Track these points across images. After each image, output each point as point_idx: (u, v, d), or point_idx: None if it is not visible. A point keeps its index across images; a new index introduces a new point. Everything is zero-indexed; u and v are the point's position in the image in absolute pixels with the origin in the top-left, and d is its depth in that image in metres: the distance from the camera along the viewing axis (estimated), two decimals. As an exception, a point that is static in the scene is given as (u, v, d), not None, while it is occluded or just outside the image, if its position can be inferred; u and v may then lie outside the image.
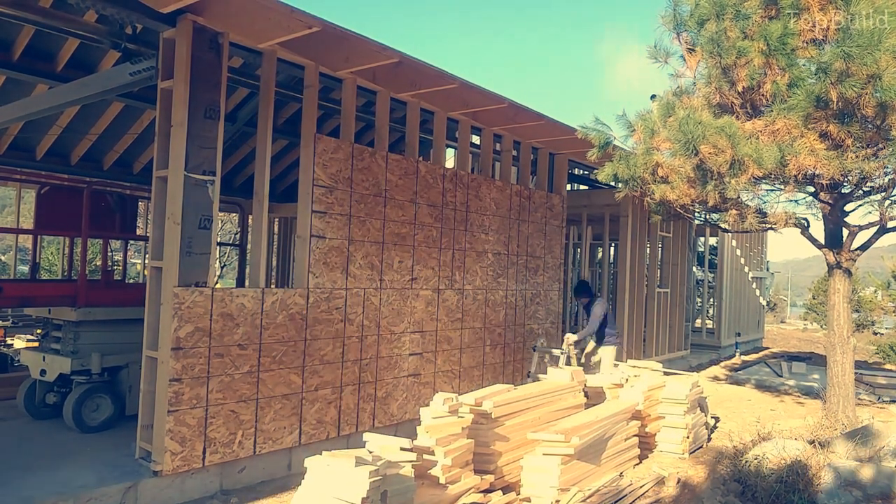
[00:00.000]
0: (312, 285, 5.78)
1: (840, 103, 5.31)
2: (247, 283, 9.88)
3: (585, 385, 6.62)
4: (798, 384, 11.08)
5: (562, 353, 7.63)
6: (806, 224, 7.15)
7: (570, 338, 7.85)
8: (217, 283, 16.57)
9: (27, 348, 7.14)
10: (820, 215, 7.34)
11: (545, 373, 6.63)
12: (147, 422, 4.95)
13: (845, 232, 7.14)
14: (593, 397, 6.69)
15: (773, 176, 6.12)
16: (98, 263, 13.41)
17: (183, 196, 4.83)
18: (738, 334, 16.56)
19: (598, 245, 17.31)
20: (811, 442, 5.94)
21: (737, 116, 6.23)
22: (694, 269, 14.13)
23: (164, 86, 5.07)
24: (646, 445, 6.60)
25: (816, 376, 11.52)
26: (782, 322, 35.46)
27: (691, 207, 7.48)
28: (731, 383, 11.54)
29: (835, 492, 4.88)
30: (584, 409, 6.13)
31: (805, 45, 5.68)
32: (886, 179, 6.43)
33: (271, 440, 5.43)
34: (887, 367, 15.11)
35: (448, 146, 8.40)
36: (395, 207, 6.63)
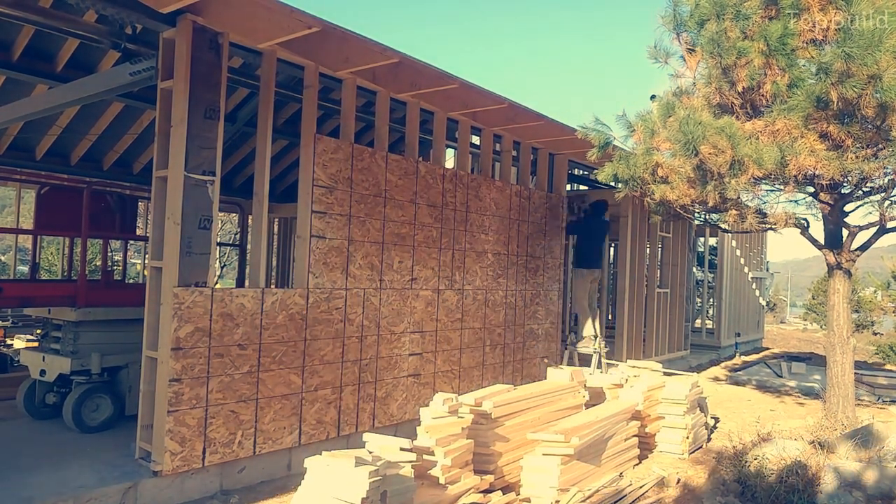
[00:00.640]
0: (312, 285, 5.78)
1: (840, 104, 5.31)
2: (247, 283, 9.88)
3: (585, 385, 6.62)
4: (798, 384, 11.07)
5: (594, 352, 7.79)
6: (806, 224, 7.15)
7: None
8: (217, 283, 16.55)
9: (27, 348, 7.13)
10: (820, 215, 7.34)
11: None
12: (147, 422, 4.94)
13: (845, 232, 7.14)
14: (593, 397, 6.69)
15: (773, 176, 6.12)
16: (98, 263, 13.42)
17: (183, 196, 4.83)
18: (738, 334, 16.55)
19: (597, 245, 17.26)
20: (811, 442, 5.94)
21: (737, 117, 6.23)
22: (694, 269, 14.12)
23: (164, 86, 5.07)
24: (646, 446, 6.60)
25: (818, 377, 11.51)
26: (782, 322, 35.47)
27: (691, 208, 7.48)
28: (731, 383, 11.54)
29: (835, 492, 4.88)
30: (583, 409, 6.13)
31: (805, 45, 5.68)
32: (886, 180, 6.43)
33: (271, 440, 5.43)
34: (888, 367, 15.11)
35: (448, 146, 8.39)
36: (395, 208, 6.63)
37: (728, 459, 5.85)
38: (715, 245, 17.36)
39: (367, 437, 4.32)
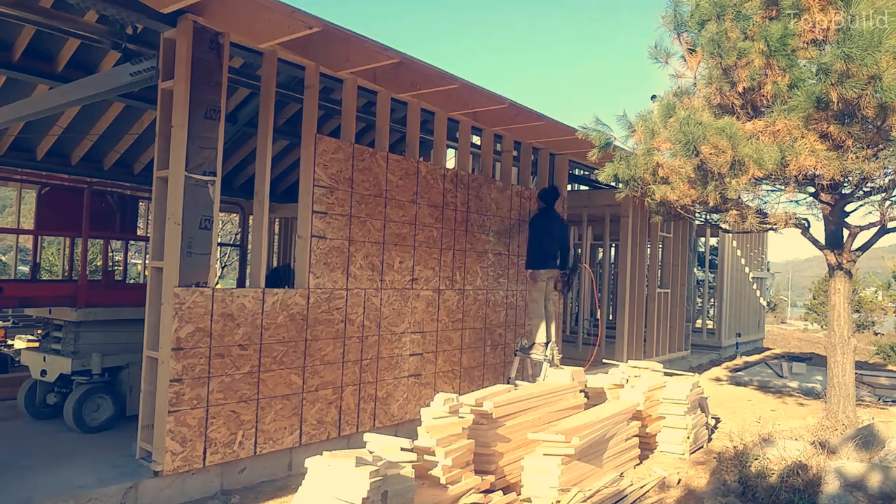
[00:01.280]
0: (313, 285, 5.78)
1: (840, 104, 5.31)
2: (247, 283, 9.89)
3: (586, 385, 6.62)
4: (800, 385, 11.07)
5: (544, 358, 7.15)
6: (806, 224, 7.15)
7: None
8: (217, 283, 16.56)
9: (27, 348, 7.13)
10: (820, 216, 7.33)
11: (529, 378, 6.51)
12: (147, 422, 4.95)
13: (846, 232, 7.13)
14: (593, 397, 6.69)
15: (773, 176, 6.11)
16: (98, 264, 13.42)
17: (183, 196, 4.83)
18: (739, 335, 16.56)
19: (598, 245, 17.32)
20: (812, 443, 5.94)
21: (737, 117, 6.23)
22: (694, 269, 14.12)
23: (165, 86, 5.07)
24: (646, 446, 6.60)
25: (820, 377, 11.51)
26: (783, 322, 35.46)
27: (692, 208, 7.48)
28: (732, 384, 11.54)
29: (837, 494, 4.87)
30: (584, 409, 6.13)
31: (805, 45, 5.68)
32: (887, 180, 6.42)
33: (272, 440, 5.43)
34: (889, 367, 15.10)
35: (448, 147, 8.39)
36: (396, 208, 6.63)
37: (729, 460, 5.85)
38: (715, 245, 17.37)
39: (367, 437, 4.32)
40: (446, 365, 7.26)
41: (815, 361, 14.37)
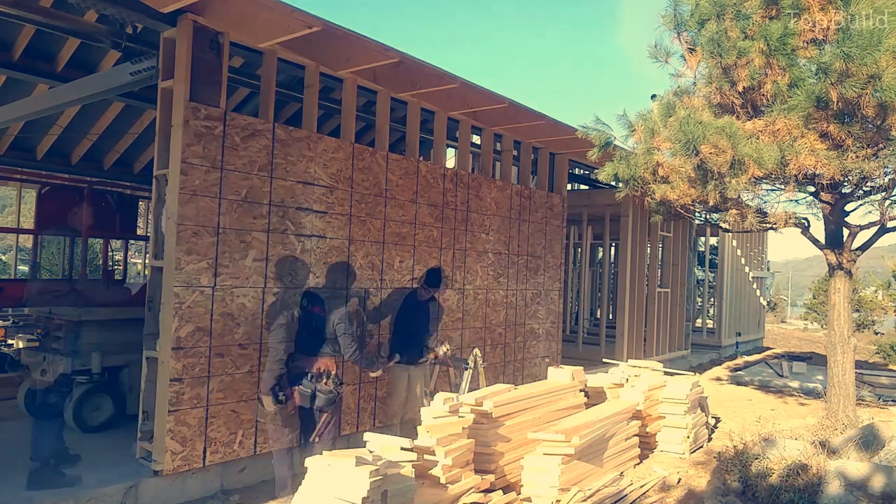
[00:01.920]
0: (313, 285, 5.77)
1: (840, 103, 5.31)
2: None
3: (586, 385, 6.62)
4: (800, 384, 11.07)
5: (468, 368, 6.23)
6: (806, 224, 7.15)
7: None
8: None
9: (27, 348, 7.12)
10: (820, 215, 7.34)
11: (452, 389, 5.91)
12: (147, 421, 4.94)
13: (846, 232, 7.13)
14: (593, 397, 6.69)
15: (773, 176, 6.12)
16: (98, 263, 13.42)
17: (183, 196, 4.82)
18: (739, 334, 16.56)
19: (598, 245, 17.32)
20: (812, 442, 5.94)
21: (737, 116, 6.23)
22: (694, 268, 14.13)
23: (165, 85, 5.07)
24: (646, 445, 6.60)
25: (820, 377, 11.51)
26: (783, 322, 35.46)
27: (692, 207, 7.48)
28: (732, 383, 11.54)
29: (838, 494, 4.87)
30: (584, 408, 6.13)
31: (805, 45, 5.68)
32: (887, 179, 6.43)
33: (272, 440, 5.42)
34: (890, 367, 15.09)
35: (448, 146, 8.40)
36: (396, 207, 6.63)
37: (729, 460, 5.85)
38: (716, 244, 17.37)
39: (367, 436, 4.32)
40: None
41: (816, 361, 14.38)
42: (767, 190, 7.10)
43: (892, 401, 9.74)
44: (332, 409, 4.81)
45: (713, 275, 16.79)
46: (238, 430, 5.16)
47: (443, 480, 4.38)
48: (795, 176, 6.01)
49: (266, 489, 5.26)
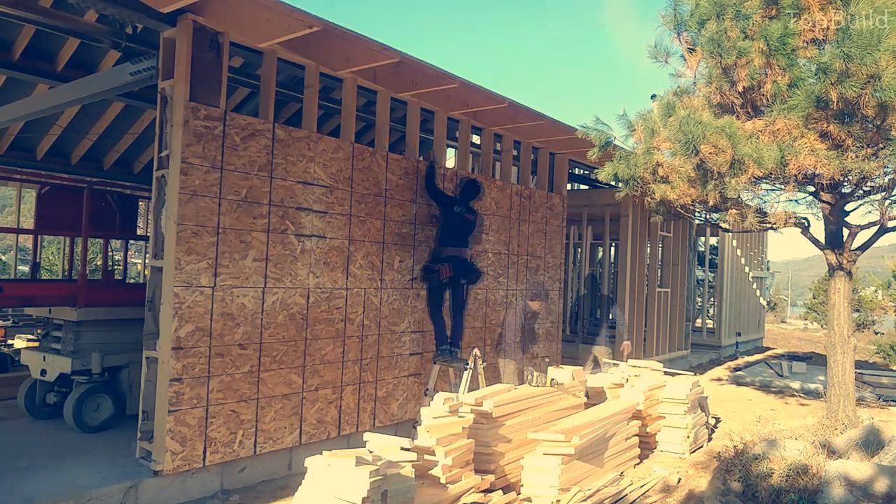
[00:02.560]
0: (313, 285, 5.78)
1: (840, 103, 5.31)
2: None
3: (586, 385, 6.62)
4: (800, 384, 11.06)
5: (467, 368, 6.13)
6: (806, 224, 7.15)
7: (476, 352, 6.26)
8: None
9: (27, 348, 7.13)
10: (820, 215, 7.34)
11: (453, 390, 5.90)
12: (147, 421, 4.94)
13: (846, 232, 7.13)
14: (593, 397, 6.69)
15: (773, 176, 6.12)
16: (99, 263, 13.42)
17: (183, 196, 4.82)
18: (739, 334, 16.56)
19: (598, 245, 17.31)
20: (813, 442, 5.94)
21: (737, 116, 6.23)
22: (695, 268, 14.13)
23: (165, 85, 5.07)
24: (646, 445, 6.60)
25: (821, 377, 11.51)
26: (783, 322, 35.45)
27: (692, 207, 7.48)
28: (732, 383, 11.54)
29: (838, 494, 4.87)
30: (584, 408, 6.13)
31: (805, 45, 5.68)
32: (886, 179, 6.43)
33: (272, 440, 5.43)
34: (892, 367, 15.08)
35: (448, 146, 8.39)
36: (396, 207, 6.63)
37: (729, 460, 5.85)
38: (715, 244, 17.37)
39: (367, 436, 4.32)
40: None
41: (816, 361, 14.38)
42: (767, 190, 7.10)
43: (893, 401, 9.74)
44: None
45: (713, 275, 16.78)
46: (238, 430, 5.16)
47: (443, 480, 4.38)
48: (795, 176, 6.01)
49: (266, 489, 5.27)
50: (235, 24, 5.09)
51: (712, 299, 16.93)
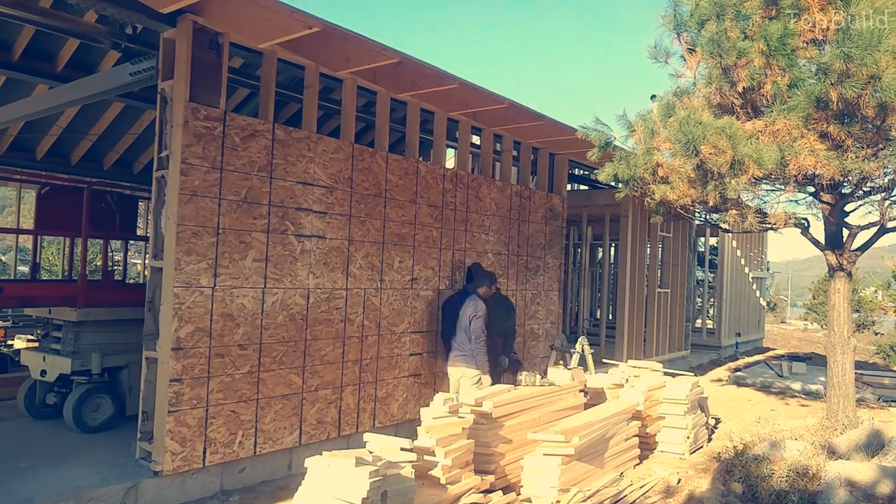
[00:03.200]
0: (313, 285, 5.78)
1: (840, 104, 5.31)
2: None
3: (585, 385, 6.62)
4: (800, 384, 11.06)
5: (574, 353, 7.54)
6: (806, 224, 7.15)
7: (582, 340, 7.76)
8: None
9: (27, 348, 7.14)
10: (820, 216, 7.34)
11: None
12: (147, 422, 4.94)
13: (846, 232, 7.13)
14: (593, 397, 6.69)
15: (773, 176, 6.12)
16: (98, 264, 13.42)
17: (183, 196, 4.82)
18: (739, 334, 16.56)
19: (598, 245, 17.32)
20: (813, 443, 5.94)
21: (737, 117, 6.23)
22: (694, 269, 14.13)
23: (165, 86, 5.07)
24: (646, 446, 6.60)
25: (822, 378, 11.50)
26: (783, 322, 35.47)
27: (692, 208, 7.48)
28: (732, 384, 11.54)
29: (838, 494, 4.87)
30: (584, 409, 6.13)
31: (805, 45, 5.68)
32: (886, 179, 6.43)
33: (272, 440, 5.43)
34: (893, 367, 15.07)
35: (448, 146, 8.39)
36: (396, 207, 6.63)
37: (729, 460, 5.85)
38: (715, 245, 17.37)
39: (367, 437, 4.32)
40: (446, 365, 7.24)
41: (816, 361, 14.38)
42: (767, 190, 7.10)
43: (893, 401, 9.74)
44: None
45: (713, 275, 16.79)
46: (238, 431, 5.16)
47: (443, 481, 4.38)
48: (795, 176, 6.01)
49: (266, 489, 5.27)
50: (235, 24, 5.10)
51: (712, 300, 16.94)
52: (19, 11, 4.93)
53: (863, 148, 5.81)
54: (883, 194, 6.60)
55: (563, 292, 9.89)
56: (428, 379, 7.01)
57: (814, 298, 31.39)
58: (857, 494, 4.81)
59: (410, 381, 6.80)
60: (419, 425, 4.60)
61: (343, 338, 6.05)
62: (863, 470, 5.00)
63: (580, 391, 6.31)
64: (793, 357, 14.87)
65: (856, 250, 7.12)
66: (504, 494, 4.88)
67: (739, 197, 6.63)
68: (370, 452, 4.01)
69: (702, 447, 7.00)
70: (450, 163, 9.17)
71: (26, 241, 18.00)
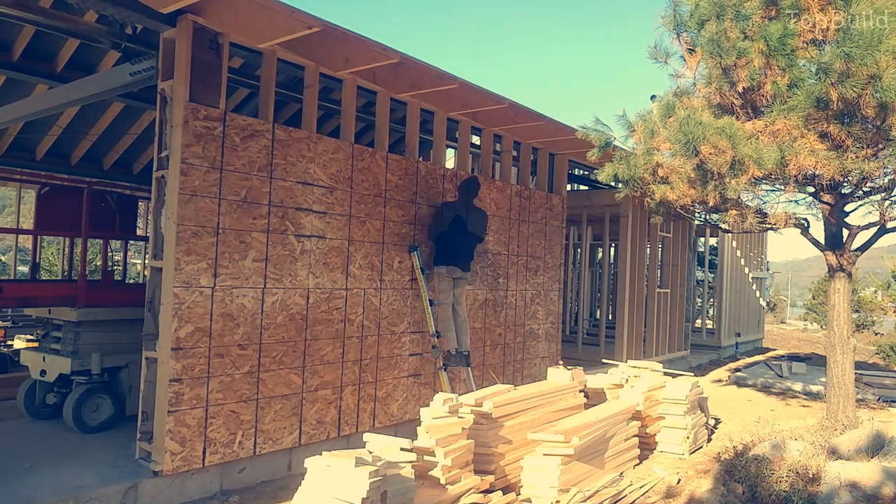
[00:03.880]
0: (313, 285, 5.78)
1: (840, 104, 5.31)
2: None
3: (585, 385, 6.62)
4: (800, 385, 11.06)
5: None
6: (806, 224, 7.15)
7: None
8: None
9: (27, 348, 7.14)
10: (820, 216, 7.33)
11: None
12: (147, 422, 4.94)
13: (846, 232, 7.13)
14: (593, 397, 6.69)
15: (773, 176, 6.12)
16: (98, 264, 13.42)
17: (183, 196, 4.82)
18: (738, 334, 16.56)
19: (598, 245, 17.33)
20: (813, 443, 5.94)
21: (737, 117, 6.23)
22: (694, 269, 14.13)
23: (164, 86, 5.07)
24: (646, 446, 6.60)
25: (823, 379, 11.49)
26: (782, 322, 35.48)
27: (691, 208, 7.48)
28: (732, 384, 11.54)
29: (838, 494, 4.87)
30: (584, 409, 6.13)
31: (805, 45, 5.68)
32: (886, 180, 6.43)
33: (271, 440, 5.43)
34: (894, 367, 15.06)
35: (448, 146, 8.39)
36: (396, 208, 6.63)
37: (729, 460, 5.85)
38: (715, 245, 17.38)
39: (367, 437, 4.32)
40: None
41: (816, 361, 14.38)
42: (767, 190, 7.10)
43: (893, 401, 9.74)
44: None
45: (713, 275, 16.79)
46: (237, 431, 5.16)
47: (442, 481, 4.38)
48: (795, 176, 6.01)
49: (266, 490, 5.27)
50: (235, 24, 5.09)
51: (712, 300, 16.94)
52: (19, 11, 4.92)
53: (863, 148, 5.81)
54: (883, 194, 6.60)
55: (563, 292, 9.88)
56: (428, 379, 7.01)
57: (814, 299, 31.40)
58: (859, 495, 4.81)
59: (410, 381, 6.80)
60: (419, 425, 4.60)
61: (343, 338, 6.05)
62: (864, 471, 4.99)
63: (580, 391, 6.31)
64: (793, 357, 14.87)
65: (856, 250, 7.11)
66: (504, 494, 4.88)
67: (739, 197, 6.63)
68: (370, 452, 4.01)
69: (701, 447, 7.00)
70: (450, 163, 9.18)
71: (26, 241, 18.01)
